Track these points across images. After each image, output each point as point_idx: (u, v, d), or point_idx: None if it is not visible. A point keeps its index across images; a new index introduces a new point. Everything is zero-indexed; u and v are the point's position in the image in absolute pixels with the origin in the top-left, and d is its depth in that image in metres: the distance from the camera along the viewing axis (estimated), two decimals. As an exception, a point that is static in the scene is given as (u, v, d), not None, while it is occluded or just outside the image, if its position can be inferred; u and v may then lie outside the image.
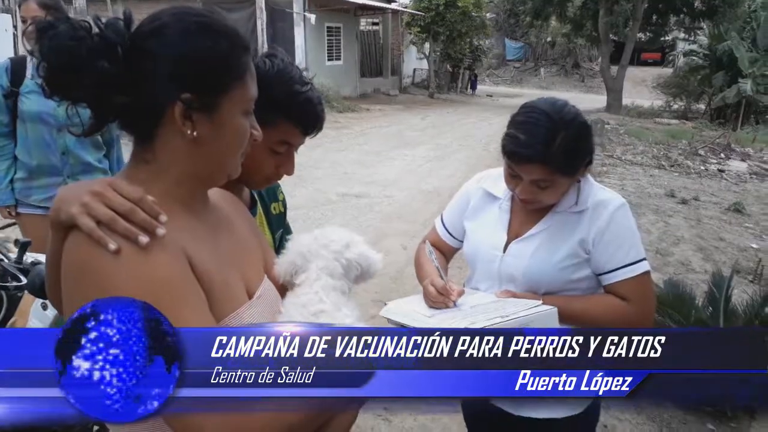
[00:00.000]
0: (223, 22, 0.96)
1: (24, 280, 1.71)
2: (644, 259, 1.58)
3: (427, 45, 25.17)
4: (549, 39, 36.62)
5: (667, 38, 28.86)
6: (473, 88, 28.31)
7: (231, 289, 0.98)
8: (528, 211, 1.64)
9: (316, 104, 1.37)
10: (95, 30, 0.88)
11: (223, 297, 0.94)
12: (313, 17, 18.02)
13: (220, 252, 0.99)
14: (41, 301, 1.72)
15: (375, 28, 25.28)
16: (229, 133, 0.96)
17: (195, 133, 0.92)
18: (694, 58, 22.92)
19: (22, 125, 2.87)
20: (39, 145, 2.88)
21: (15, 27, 11.31)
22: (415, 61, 28.69)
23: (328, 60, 20.60)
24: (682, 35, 27.21)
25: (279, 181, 1.54)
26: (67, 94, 0.89)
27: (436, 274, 1.60)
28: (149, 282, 0.82)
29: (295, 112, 1.32)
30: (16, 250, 1.87)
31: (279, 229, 1.68)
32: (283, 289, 1.16)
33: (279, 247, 1.59)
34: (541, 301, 1.50)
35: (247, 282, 1.05)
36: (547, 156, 1.45)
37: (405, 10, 24.09)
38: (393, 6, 23.77)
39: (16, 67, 2.82)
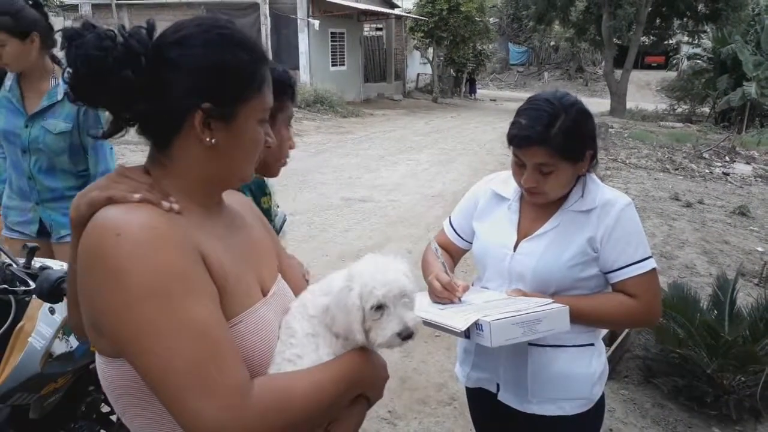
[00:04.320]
0: (244, 34, 0.99)
1: (32, 285, 1.72)
2: (651, 256, 1.60)
3: (430, 50, 25.24)
4: (552, 43, 36.65)
5: (670, 42, 28.85)
6: (472, 92, 28.31)
7: (246, 286, 1.00)
8: (537, 210, 1.66)
9: (283, 72, 1.51)
10: (120, 39, 0.90)
11: (238, 294, 0.97)
12: (316, 23, 18.10)
13: (234, 250, 1.02)
14: (49, 305, 1.74)
15: (378, 33, 25.34)
16: (245, 140, 0.99)
17: (213, 141, 0.95)
18: (698, 61, 22.94)
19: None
20: (13, 165, 2.61)
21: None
22: (418, 66, 28.75)
23: (332, 65, 20.66)
24: (685, 39, 27.16)
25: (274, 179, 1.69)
26: (91, 101, 0.92)
27: (442, 270, 1.62)
28: (159, 271, 0.84)
29: (285, 90, 1.48)
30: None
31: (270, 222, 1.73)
32: (299, 289, 1.17)
33: None
34: (551, 300, 1.52)
35: (261, 280, 1.07)
36: (548, 137, 1.49)
37: (408, 15, 24.14)
38: (396, 11, 23.83)
39: None
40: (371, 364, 1.03)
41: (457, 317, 1.43)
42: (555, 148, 1.49)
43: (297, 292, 1.15)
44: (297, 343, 1.00)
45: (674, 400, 3.39)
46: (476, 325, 1.39)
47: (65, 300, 1.59)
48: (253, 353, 0.95)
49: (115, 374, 0.92)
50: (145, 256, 0.83)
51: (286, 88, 1.49)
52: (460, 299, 1.57)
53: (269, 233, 1.23)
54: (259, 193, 1.72)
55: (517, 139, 1.53)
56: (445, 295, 1.57)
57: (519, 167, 1.58)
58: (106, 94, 0.90)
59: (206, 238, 0.95)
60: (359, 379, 1.01)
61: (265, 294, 1.06)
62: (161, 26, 0.97)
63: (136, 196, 0.89)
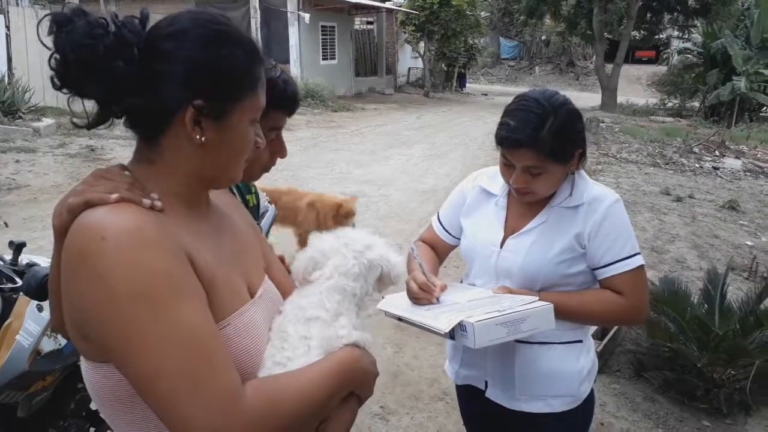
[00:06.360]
0: (241, 32, 0.96)
1: (19, 282, 1.70)
2: (639, 253, 1.60)
3: (421, 44, 25.15)
4: (543, 37, 36.65)
5: (661, 36, 28.92)
6: (462, 85, 28.24)
7: (233, 287, 0.98)
8: (524, 206, 1.65)
9: (291, 84, 1.44)
10: (112, 27, 0.87)
11: (226, 295, 0.94)
12: (307, 16, 17.99)
13: (222, 251, 0.99)
14: (37, 303, 1.72)
15: (369, 27, 25.25)
16: (235, 140, 0.96)
17: (203, 139, 0.92)
18: (688, 56, 22.98)
19: None
20: None
21: (8, 27, 11.27)
22: (410, 60, 28.68)
23: (323, 59, 20.57)
24: (676, 33, 27.27)
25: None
26: (79, 90, 0.88)
27: (419, 270, 1.60)
28: (145, 273, 0.81)
29: (280, 98, 1.37)
30: (10, 251, 1.86)
31: (255, 221, 1.69)
32: (285, 289, 1.16)
33: None
34: (537, 298, 1.51)
35: (249, 281, 1.05)
36: (538, 140, 1.47)
37: (399, 8, 24.06)
38: (387, 5, 23.73)
39: None
40: (361, 361, 1.02)
41: (440, 318, 1.41)
42: (544, 151, 1.48)
43: (283, 292, 1.14)
44: (289, 346, 0.98)
45: (665, 393, 3.41)
46: (460, 326, 1.37)
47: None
48: (242, 356, 0.93)
49: (101, 379, 0.89)
50: (130, 259, 0.81)
51: (294, 105, 1.46)
52: (438, 299, 1.54)
53: (256, 234, 1.21)
54: (245, 191, 1.70)
55: (507, 141, 1.52)
56: (421, 295, 1.54)
57: (507, 167, 1.57)
58: (95, 84, 0.86)
59: (192, 238, 0.92)
60: (350, 377, 0.99)
61: (252, 295, 1.04)
62: (152, 19, 0.93)
63: (113, 196, 0.85)
